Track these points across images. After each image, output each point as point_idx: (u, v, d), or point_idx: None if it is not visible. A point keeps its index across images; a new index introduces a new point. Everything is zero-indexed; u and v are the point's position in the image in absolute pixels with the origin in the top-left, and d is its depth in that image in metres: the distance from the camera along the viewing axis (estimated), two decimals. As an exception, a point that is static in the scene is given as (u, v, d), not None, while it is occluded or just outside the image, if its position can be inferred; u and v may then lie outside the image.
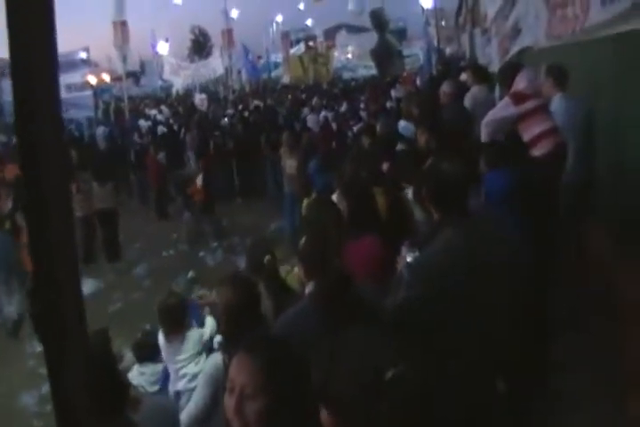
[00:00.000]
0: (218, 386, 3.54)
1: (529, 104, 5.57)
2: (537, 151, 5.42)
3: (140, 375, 5.19)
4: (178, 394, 4.84)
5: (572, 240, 5.94)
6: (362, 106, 16.69)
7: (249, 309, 3.72)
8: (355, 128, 12.42)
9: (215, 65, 35.45)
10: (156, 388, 5.15)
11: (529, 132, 5.50)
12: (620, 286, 4.90)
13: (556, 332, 5.32)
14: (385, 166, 5.92)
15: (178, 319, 4.94)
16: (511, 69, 6.31)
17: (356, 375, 1.66)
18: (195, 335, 5.01)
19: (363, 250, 4.29)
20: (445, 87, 9.01)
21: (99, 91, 32.71)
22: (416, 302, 3.16)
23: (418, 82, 14.24)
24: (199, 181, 12.63)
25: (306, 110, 20.05)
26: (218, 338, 4.54)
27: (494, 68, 12.87)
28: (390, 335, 1.89)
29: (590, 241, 5.96)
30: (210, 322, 5.18)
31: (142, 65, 58.33)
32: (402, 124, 8.50)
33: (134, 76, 52.40)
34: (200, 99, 28.08)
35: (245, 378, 2.05)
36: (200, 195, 12.65)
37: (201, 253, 12.39)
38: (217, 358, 3.81)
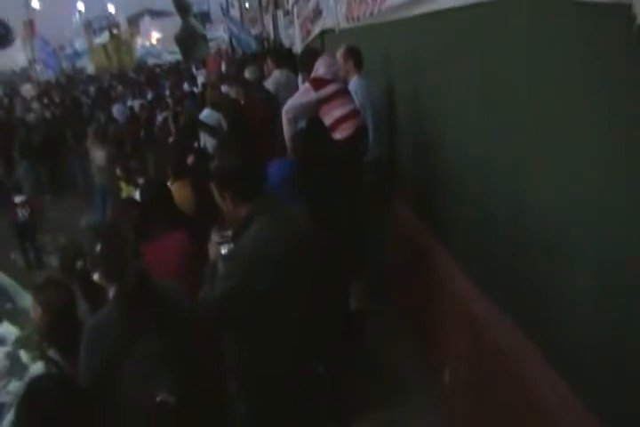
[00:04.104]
0: None
1: (329, 89, 5.63)
2: (339, 135, 5.53)
3: None
4: (2, 406, 4.38)
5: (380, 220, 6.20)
6: (167, 93, 16.41)
7: (70, 313, 3.66)
8: (161, 116, 12.18)
9: (16, 56, 33.91)
10: None
11: (330, 116, 5.57)
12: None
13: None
14: (189, 159, 5.80)
15: None
16: (311, 55, 6.34)
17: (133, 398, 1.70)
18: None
19: (169, 248, 4.27)
20: (247, 73, 9.07)
21: None
22: (236, 291, 3.17)
23: (223, 67, 14.13)
24: None
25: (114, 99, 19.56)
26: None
27: (297, 49, 13.15)
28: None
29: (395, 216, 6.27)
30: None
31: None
32: (205, 112, 8.43)
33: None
34: (26, 89, 26.74)
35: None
36: None
37: (12, 256, 11.81)
38: (38, 369, 3.56)
